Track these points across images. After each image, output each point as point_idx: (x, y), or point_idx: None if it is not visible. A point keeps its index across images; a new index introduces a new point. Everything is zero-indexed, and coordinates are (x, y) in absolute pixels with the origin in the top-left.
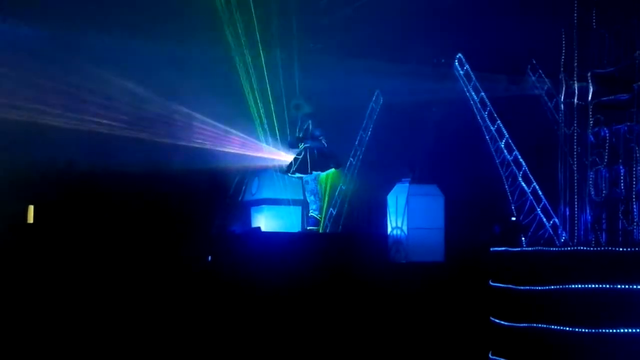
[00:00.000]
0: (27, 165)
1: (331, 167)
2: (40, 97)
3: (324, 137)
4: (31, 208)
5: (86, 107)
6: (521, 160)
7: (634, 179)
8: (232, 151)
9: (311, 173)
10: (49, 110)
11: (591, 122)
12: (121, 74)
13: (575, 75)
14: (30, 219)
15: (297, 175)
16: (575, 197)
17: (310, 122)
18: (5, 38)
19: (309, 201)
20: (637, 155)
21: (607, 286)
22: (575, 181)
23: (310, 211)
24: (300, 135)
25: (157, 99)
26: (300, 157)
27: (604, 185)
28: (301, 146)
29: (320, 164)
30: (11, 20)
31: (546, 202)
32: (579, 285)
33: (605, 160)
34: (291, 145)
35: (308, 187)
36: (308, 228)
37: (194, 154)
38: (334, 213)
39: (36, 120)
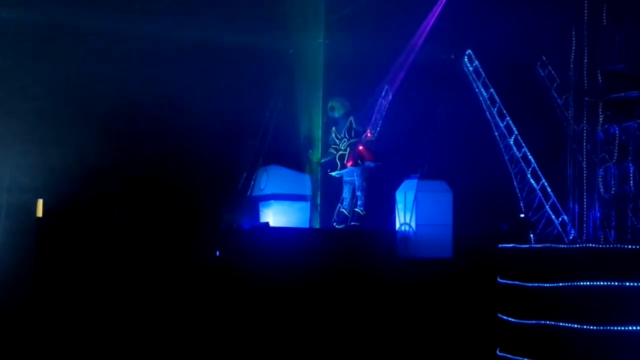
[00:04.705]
0: (38, 158)
1: (378, 162)
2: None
3: (367, 131)
4: (40, 202)
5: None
6: (530, 157)
7: None
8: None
9: (362, 165)
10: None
11: (601, 119)
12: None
13: (585, 72)
14: (40, 212)
15: (348, 169)
16: (584, 194)
17: (352, 119)
18: None
19: (345, 197)
20: None
21: (616, 284)
22: (585, 178)
23: (341, 208)
24: (341, 135)
25: (163, 91)
26: (347, 152)
27: (613, 182)
28: (343, 144)
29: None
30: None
31: (555, 199)
32: (588, 283)
33: (615, 157)
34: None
35: (352, 184)
36: (337, 226)
37: (203, 147)
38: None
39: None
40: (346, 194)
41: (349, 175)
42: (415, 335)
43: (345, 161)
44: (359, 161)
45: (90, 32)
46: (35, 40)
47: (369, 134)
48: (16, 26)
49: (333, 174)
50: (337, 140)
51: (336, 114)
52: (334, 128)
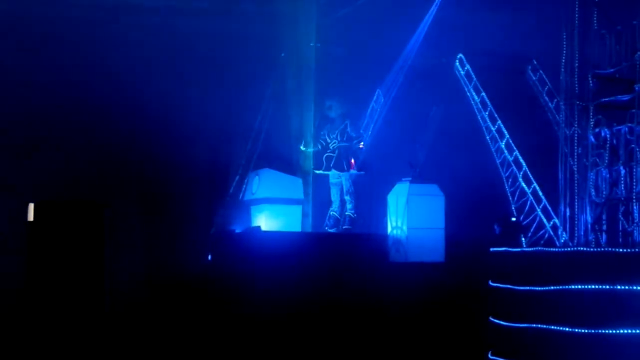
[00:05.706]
0: (29, 162)
1: (361, 172)
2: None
3: (360, 141)
4: (31, 206)
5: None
6: (521, 160)
7: (635, 180)
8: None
9: (348, 171)
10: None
11: (592, 123)
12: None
13: (576, 75)
14: (31, 217)
15: (333, 172)
16: (576, 197)
17: (348, 122)
18: None
19: (333, 200)
20: (638, 156)
21: (607, 287)
22: (576, 182)
23: (331, 211)
24: (333, 136)
25: (155, 95)
26: (335, 155)
27: (604, 186)
28: (333, 144)
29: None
30: None
31: (546, 203)
32: (579, 286)
33: (606, 161)
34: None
35: (339, 187)
36: (329, 229)
37: (194, 150)
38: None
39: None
40: (334, 196)
41: (336, 177)
42: (408, 339)
43: (331, 164)
44: (345, 167)
45: (83, 34)
46: (29, 37)
47: (361, 144)
48: (11, 20)
49: (317, 172)
50: (327, 138)
51: (333, 114)
52: (328, 125)
